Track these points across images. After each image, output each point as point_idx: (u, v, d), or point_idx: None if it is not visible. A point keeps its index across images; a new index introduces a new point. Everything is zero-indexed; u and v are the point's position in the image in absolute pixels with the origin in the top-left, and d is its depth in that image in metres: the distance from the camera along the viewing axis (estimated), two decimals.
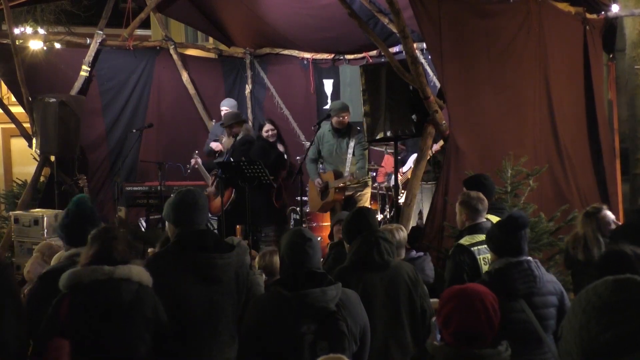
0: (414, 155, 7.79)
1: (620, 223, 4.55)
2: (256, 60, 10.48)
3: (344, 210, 6.96)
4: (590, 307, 1.49)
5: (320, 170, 8.08)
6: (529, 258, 3.78)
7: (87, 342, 3.13)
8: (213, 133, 9.27)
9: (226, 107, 9.19)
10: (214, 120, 9.83)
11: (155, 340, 3.29)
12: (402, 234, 4.86)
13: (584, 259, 4.65)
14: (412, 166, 7.45)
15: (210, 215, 8.11)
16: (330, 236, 5.84)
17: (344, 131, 7.77)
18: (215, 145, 8.96)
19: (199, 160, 8.81)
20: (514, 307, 3.56)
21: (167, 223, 3.79)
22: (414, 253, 5.15)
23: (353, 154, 7.74)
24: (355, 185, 7.60)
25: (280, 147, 8.67)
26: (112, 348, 3.17)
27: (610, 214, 4.49)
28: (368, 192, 7.80)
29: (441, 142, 6.90)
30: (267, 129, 8.30)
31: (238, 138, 8.54)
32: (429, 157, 6.58)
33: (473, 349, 2.56)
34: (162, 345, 3.31)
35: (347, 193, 7.72)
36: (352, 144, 7.70)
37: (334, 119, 7.79)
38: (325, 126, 7.95)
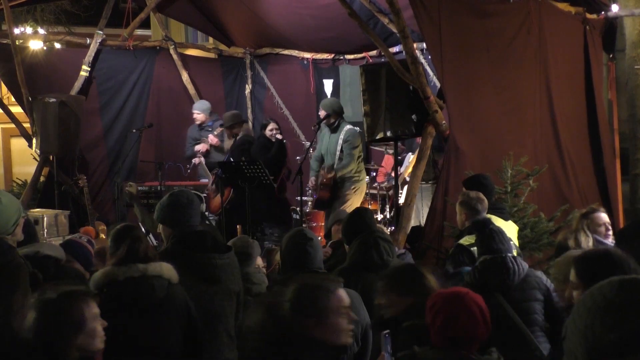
0: (409, 155, 7.78)
1: (609, 225, 4.58)
2: (256, 60, 10.47)
3: (339, 210, 6.91)
4: (595, 307, 1.49)
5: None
6: (505, 254, 3.88)
7: (120, 337, 3.14)
8: (191, 137, 9.17)
9: (198, 110, 9.10)
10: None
11: (187, 336, 3.31)
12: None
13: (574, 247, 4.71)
14: (408, 165, 7.43)
15: (210, 214, 8.11)
16: (327, 235, 5.79)
17: (335, 128, 7.70)
18: (201, 147, 8.90)
19: (202, 159, 8.80)
20: (489, 302, 3.57)
21: (160, 226, 3.79)
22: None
23: (341, 151, 7.66)
24: (327, 183, 7.56)
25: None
26: (145, 342, 3.19)
27: (603, 216, 4.54)
28: (355, 192, 7.64)
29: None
30: (272, 128, 8.30)
31: (237, 138, 8.53)
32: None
33: (469, 353, 2.57)
34: (193, 340, 3.33)
35: (340, 191, 7.62)
36: (340, 141, 7.64)
37: None
38: None
